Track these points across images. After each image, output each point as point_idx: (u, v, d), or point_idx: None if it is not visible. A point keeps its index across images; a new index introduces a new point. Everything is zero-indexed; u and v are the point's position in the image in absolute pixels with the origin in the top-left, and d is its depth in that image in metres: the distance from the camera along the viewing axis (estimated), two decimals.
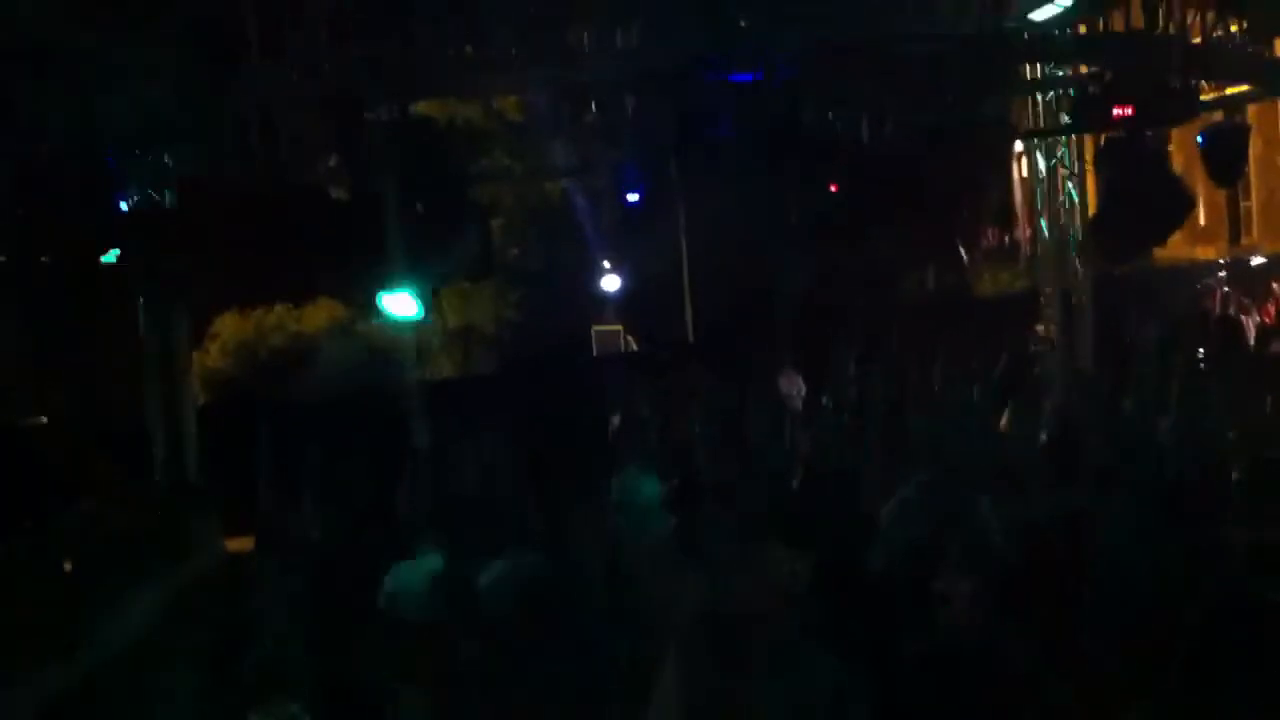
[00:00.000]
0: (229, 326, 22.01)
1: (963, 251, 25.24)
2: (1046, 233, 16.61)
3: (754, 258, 18.31)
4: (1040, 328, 16.54)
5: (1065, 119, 13.94)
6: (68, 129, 9.14)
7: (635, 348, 24.27)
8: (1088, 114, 8.83)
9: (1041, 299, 16.76)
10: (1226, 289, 22.02)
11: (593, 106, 13.25)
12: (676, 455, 10.17)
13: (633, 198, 12.30)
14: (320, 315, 22.76)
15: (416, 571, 6.63)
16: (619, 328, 24.39)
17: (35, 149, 9.26)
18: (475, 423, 11.26)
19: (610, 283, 24.18)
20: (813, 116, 8.10)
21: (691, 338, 24.36)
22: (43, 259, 10.27)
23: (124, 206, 10.83)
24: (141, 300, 11.93)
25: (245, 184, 11.92)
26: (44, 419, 14.83)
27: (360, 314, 23.09)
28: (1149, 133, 8.68)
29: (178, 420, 12.43)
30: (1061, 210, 16.27)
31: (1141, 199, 8.32)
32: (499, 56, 9.32)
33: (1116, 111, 8.27)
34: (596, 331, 24.13)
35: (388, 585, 6.75)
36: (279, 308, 22.47)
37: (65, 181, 9.31)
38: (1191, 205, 8.48)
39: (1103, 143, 9.18)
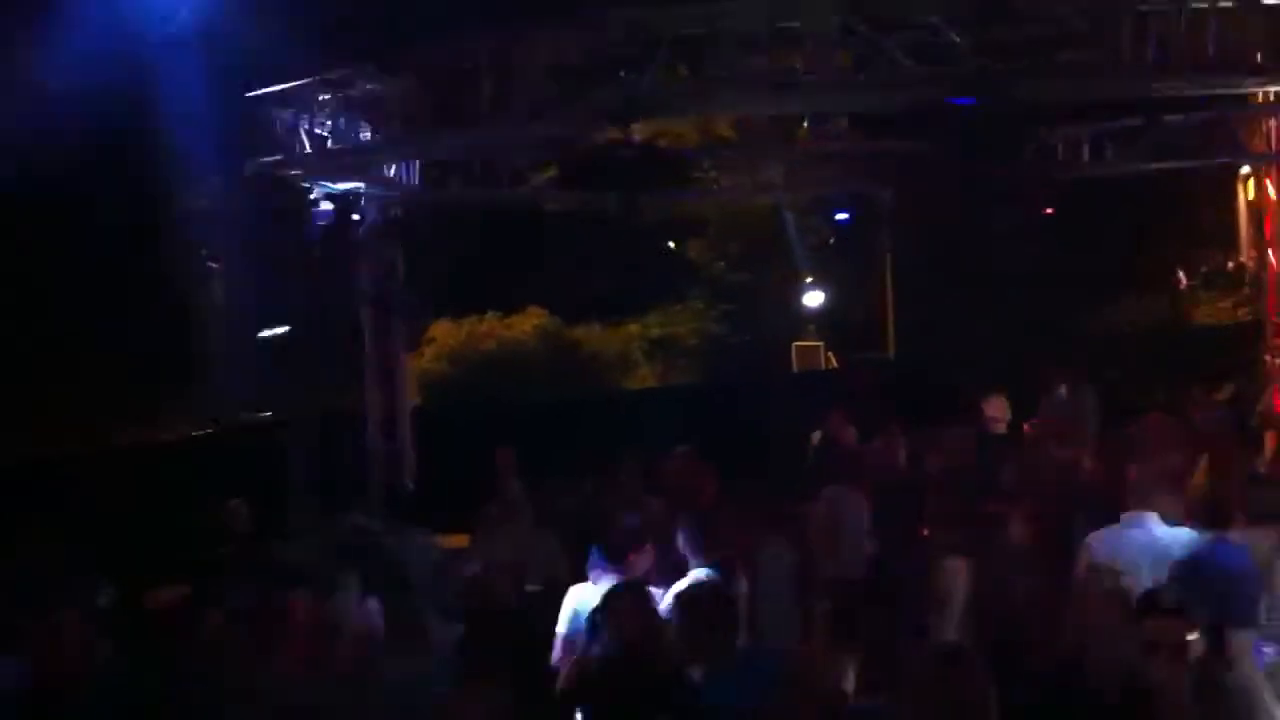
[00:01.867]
0: (443, 332, 22.85)
1: (1182, 276, 24.40)
2: (1273, 260, 15.94)
3: (962, 279, 18.08)
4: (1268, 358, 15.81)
5: None
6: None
7: (835, 364, 24.17)
8: None
9: (1269, 329, 16.06)
10: None
11: (805, 124, 13.34)
12: (875, 475, 10.15)
13: (842, 216, 12.36)
14: (528, 323, 23.43)
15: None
16: (820, 344, 24.31)
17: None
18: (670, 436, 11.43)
19: (813, 299, 24.14)
20: (1032, 139, 8.02)
21: (893, 357, 24.13)
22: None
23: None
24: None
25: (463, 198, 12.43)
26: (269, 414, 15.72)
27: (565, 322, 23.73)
28: None
29: (395, 420, 13.00)
30: None
31: None
32: (714, 84, 9.43)
33: None
34: (797, 347, 24.10)
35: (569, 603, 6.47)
36: (489, 315, 23.22)
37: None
38: None
39: None
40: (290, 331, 13.30)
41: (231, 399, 17.35)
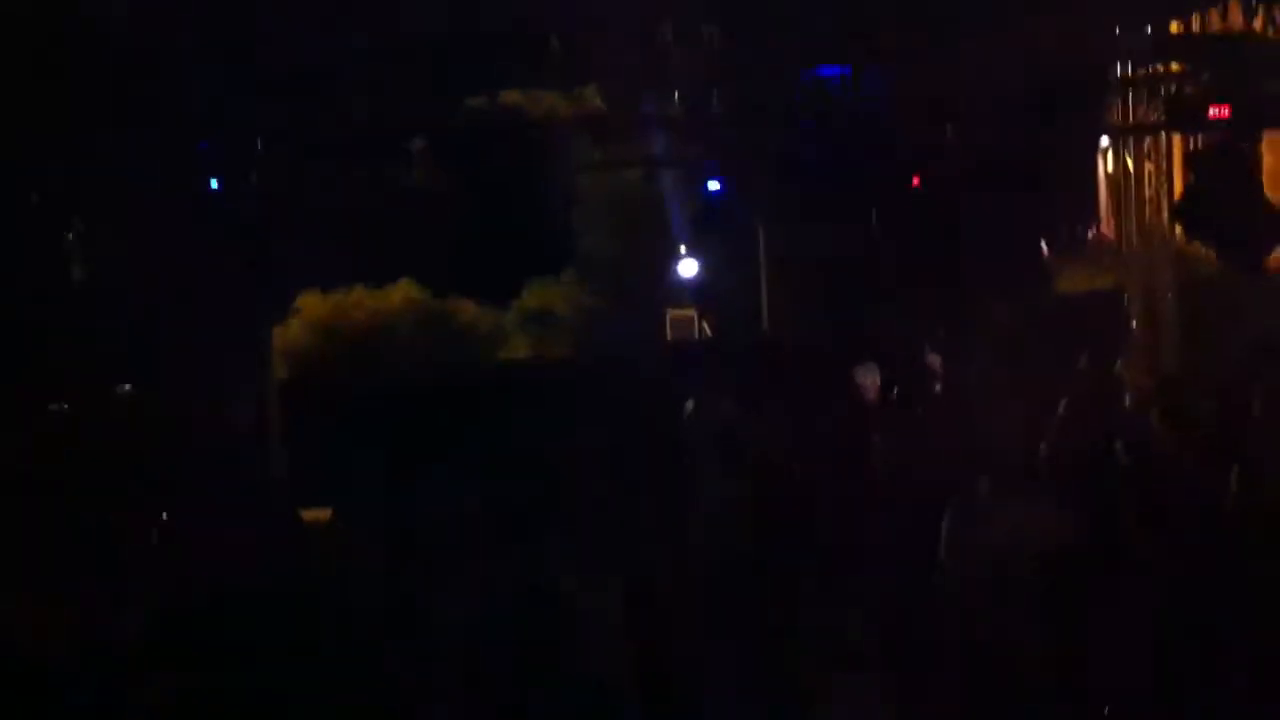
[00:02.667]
0: (310, 304, 22.36)
1: (1044, 248, 24.99)
2: (1132, 232, 16.42)
3: (834, 250, 18.23)
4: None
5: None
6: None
7: (709, 333, 24.27)
8: (1182, 113, 8.68)
9: (1125, 299, 16.56)
10: None
11: (675, 97, 13.30)
12: (752, 446, 10.22)
13: (713, 186, 12.34)
14: (398, 294, 23.04)
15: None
16: (693, 313, 24.36)
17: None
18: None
19: (687, 269, 24.17)
20: (900, 112, 8.07)
21: (767, 326, 24.31)
22: None
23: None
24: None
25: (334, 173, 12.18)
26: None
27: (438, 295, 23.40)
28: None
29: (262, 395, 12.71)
30: (1149, 208, 16.05)
31: (1232, 205, 8.20)
32: (584, 47, 9.35)
33: (1213, 112, 8.12)
34: (671, 317, 24.12)
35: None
36: (358, 288, 22.77)
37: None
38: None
39: (1194, 146, 9.03)
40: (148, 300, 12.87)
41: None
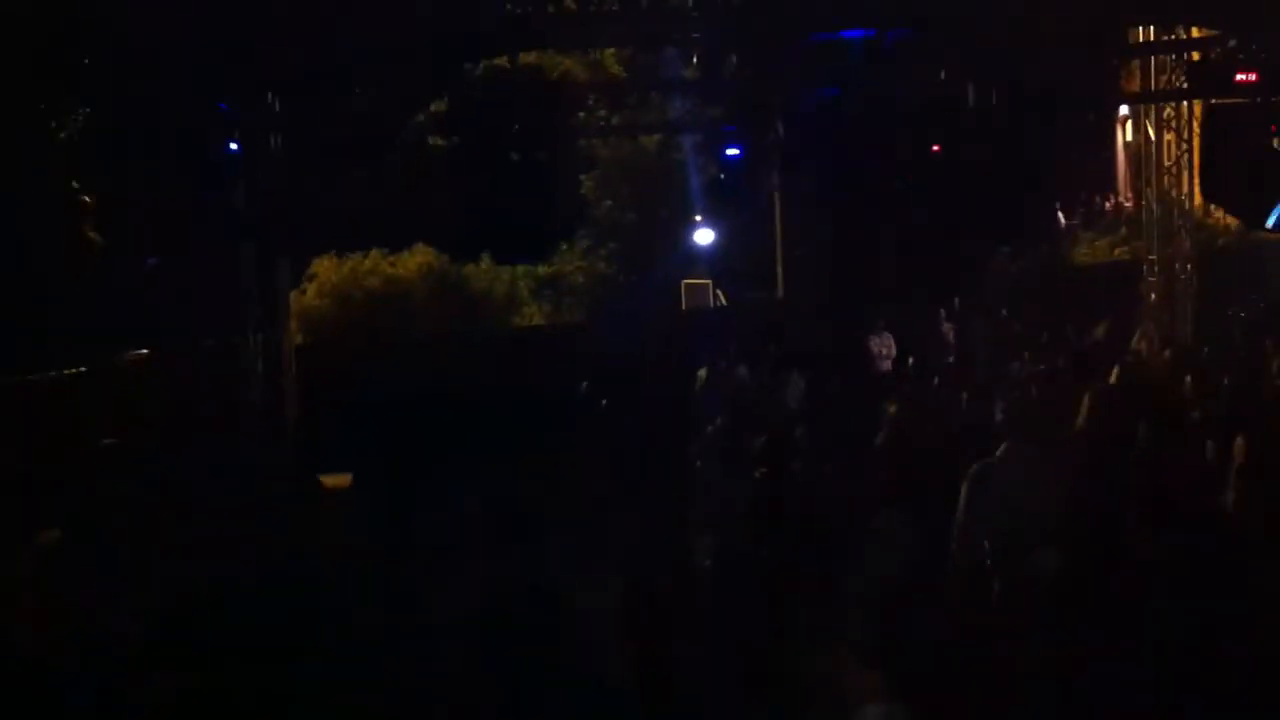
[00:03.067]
0: (325, 269, 22.37)
1: (1061, 217, 24.86)
2: (1153, 201, 16.27)
3: (850, 217, 18.16)
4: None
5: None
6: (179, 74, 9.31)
7: (724, 302, 24.22)
8: (1206, 79, 8.56)
9: (1144, 268, 16.45)
10: None
11: (694, 61, 13.21)
12: (767, 411, 10.21)
13: (732, 153, 12.28)
14: (414, 261, 23.03)
15: None
16: (708, 282, 24.32)
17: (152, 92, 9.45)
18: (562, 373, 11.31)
19: (703, 237, 24.10)
20: (922, 77, 7.98)
21: (782, 294, 24.25)
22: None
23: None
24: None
25: (347, 134, 12.13)
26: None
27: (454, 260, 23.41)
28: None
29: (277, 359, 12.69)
30: (1168, 178, 15.91)
31: (1254, 168, 8.11)
32: (601, 10, 9.28)
33: (1240, 77, 8.01)
34: (686, 285, 24.07)
35: None
36: (374, 253, 22.78)
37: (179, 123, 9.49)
38: None
39: (1212, 110, 8.91)
40: (161, 263, 12.86)
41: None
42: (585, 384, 11.88)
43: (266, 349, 12.63)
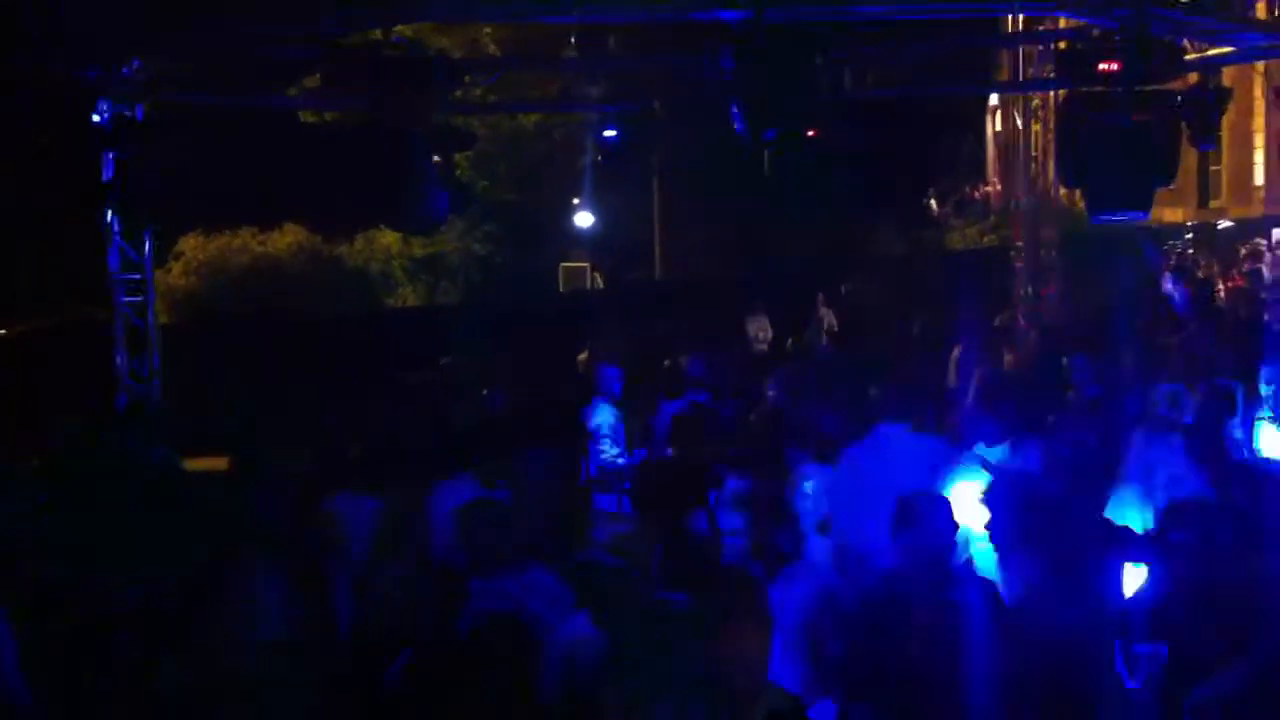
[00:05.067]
0: (192, 246, 21.77)
1: (933, 204, 25.36)
2: (1022, 189, 16.65)
3: (727, 203, 18.27)
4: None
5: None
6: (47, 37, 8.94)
7: (602, 285, 24.22)
8: (1073, 68, 8.76)
9: (1012, 254, 16.83)
10: (1192, 251, 22.19)
11: (572, 41, 13.14)
12: (646, 394, 10.22)
13: (609, 134, 12.21)
14: (285, 239, 22.55)
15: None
16: (587, 265, 24.29)
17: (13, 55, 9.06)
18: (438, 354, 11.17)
19: (582, 219, 24.06)
20: (801, 61, 8.01)
21: (659, 277, 24.34)
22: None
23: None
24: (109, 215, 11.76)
25: (220, 106, 11.79)
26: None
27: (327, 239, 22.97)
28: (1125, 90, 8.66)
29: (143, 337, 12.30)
30: (1035, 165, 16.30)
31: (1121, 156, 8.33)
32: None
33: (1102, 67, 8.22)
34: (564, 268, 24.03)
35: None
36: (244, 231, 22.24)
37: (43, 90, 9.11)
38: (1172, 168, 8.48)
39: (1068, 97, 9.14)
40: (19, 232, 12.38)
41: None
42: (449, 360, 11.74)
43: (130, 325, 12.25)
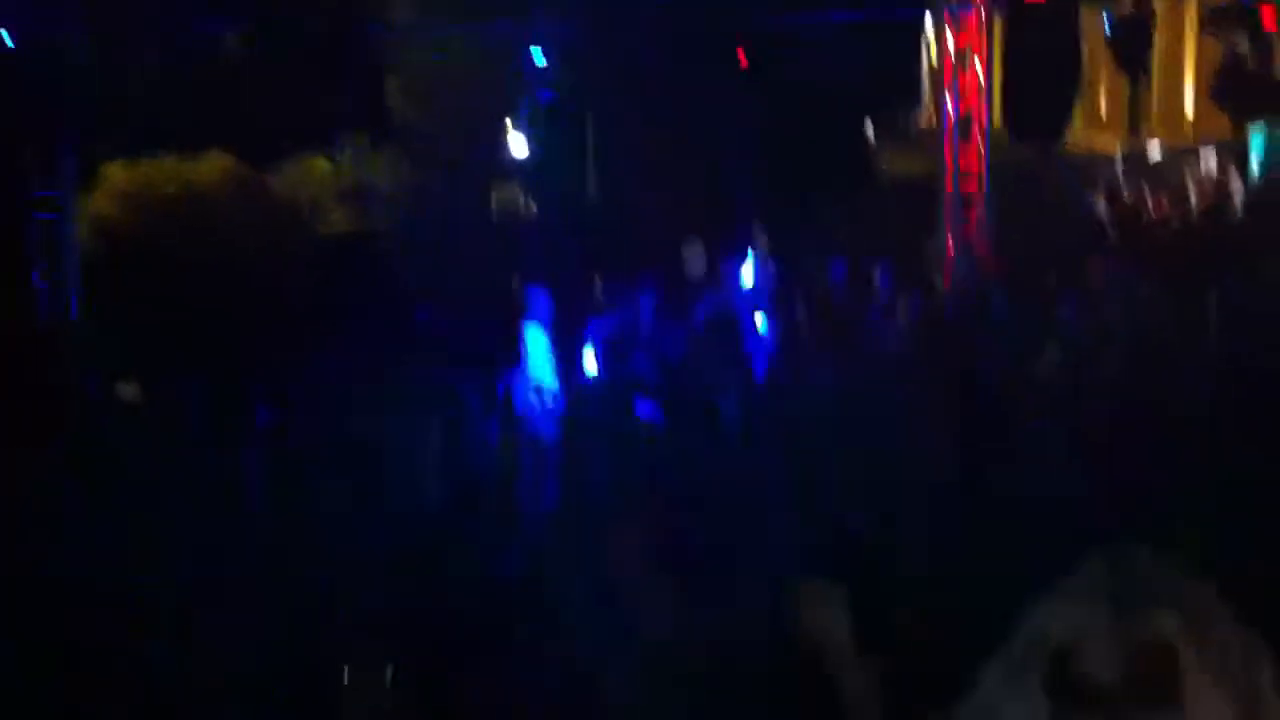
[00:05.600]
0: (115, 174, 21.23)
1: (870, 132, 25.33)
2: (951, 116, 16.64)
3: (661, 125, 18.15)
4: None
5: None
6: None
7: (534, 211, 24.04)
8: None
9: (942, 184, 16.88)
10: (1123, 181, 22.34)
11: None
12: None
13: (539, 62, 12.08)
14: (210, 165, 22.04)
15: None
16: (519, 190, 24.09)
17: None
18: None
19: (515, 145, 23.82)
20: None
21: (593, 204, 24.19)
22: None
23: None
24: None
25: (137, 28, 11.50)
26: None
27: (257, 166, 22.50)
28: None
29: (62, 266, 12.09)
30: (968, 92, 16.29)
31: (1050, 75, 8.31)
32: None
33: None
34: (496, 194, 23.80)
35: None
36: (170, 158, 21.69)
37: None
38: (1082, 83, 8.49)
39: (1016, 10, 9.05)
40: None
41: None
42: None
43: (52, 254, 12.02)
